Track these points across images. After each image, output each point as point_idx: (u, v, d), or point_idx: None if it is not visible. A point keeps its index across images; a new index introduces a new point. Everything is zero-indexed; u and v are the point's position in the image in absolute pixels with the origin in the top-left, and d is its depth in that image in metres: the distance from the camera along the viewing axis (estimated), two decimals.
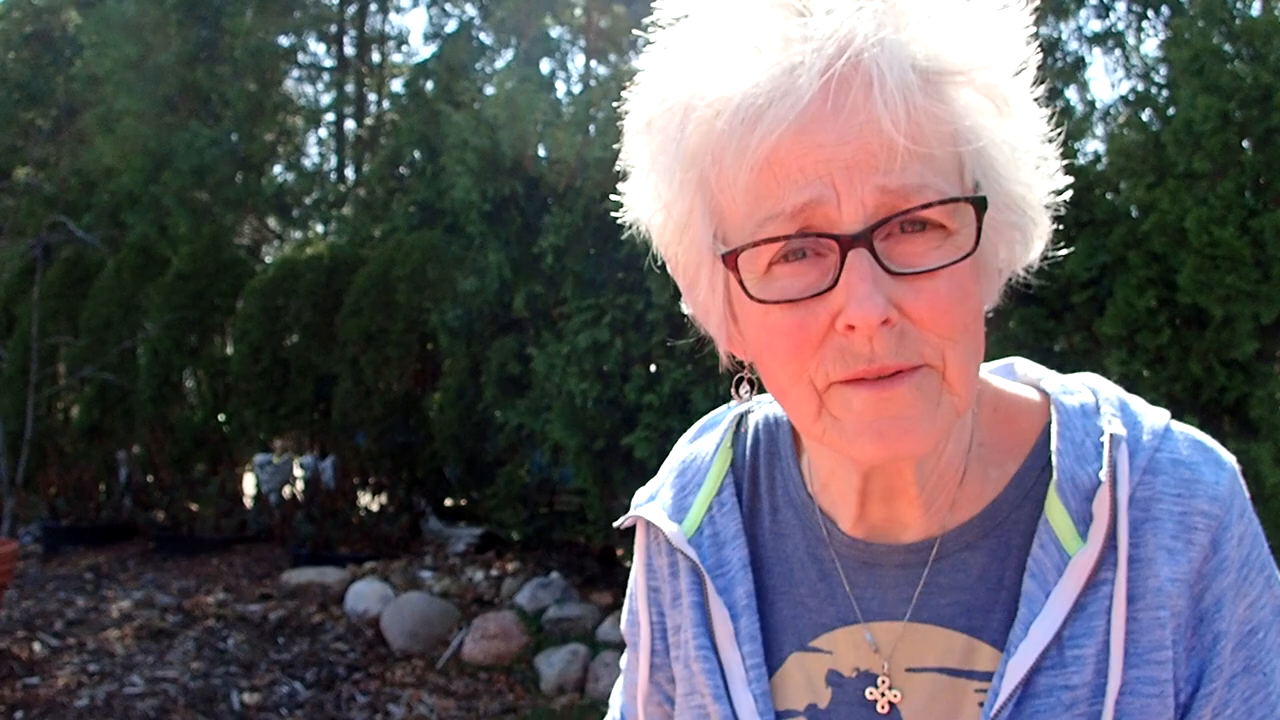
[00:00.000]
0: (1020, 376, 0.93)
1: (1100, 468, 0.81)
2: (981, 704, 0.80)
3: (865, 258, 0.72)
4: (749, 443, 0.96)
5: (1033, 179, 0.80)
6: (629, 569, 6.30)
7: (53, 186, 9.89)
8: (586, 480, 5.58)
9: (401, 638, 5.77)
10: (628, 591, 1.02)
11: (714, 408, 1.02)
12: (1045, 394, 0.89)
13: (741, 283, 0.77)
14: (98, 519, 8.23)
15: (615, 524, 1.00)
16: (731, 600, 0.89)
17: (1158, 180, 4.10)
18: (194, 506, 7.92)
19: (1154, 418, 0.85)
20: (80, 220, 9.00)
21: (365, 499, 7.49)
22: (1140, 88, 4.54)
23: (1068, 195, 0.82)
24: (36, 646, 5.95)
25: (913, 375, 0.74)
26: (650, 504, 0.97)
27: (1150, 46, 4.79)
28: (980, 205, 0.74)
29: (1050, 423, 0.86)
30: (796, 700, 0.87)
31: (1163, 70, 4.43)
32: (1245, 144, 3.97)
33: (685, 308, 0.88)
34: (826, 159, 0.72)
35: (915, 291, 0.73)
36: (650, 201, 0.83)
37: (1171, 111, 4.20)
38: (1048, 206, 0.82)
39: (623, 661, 1.05)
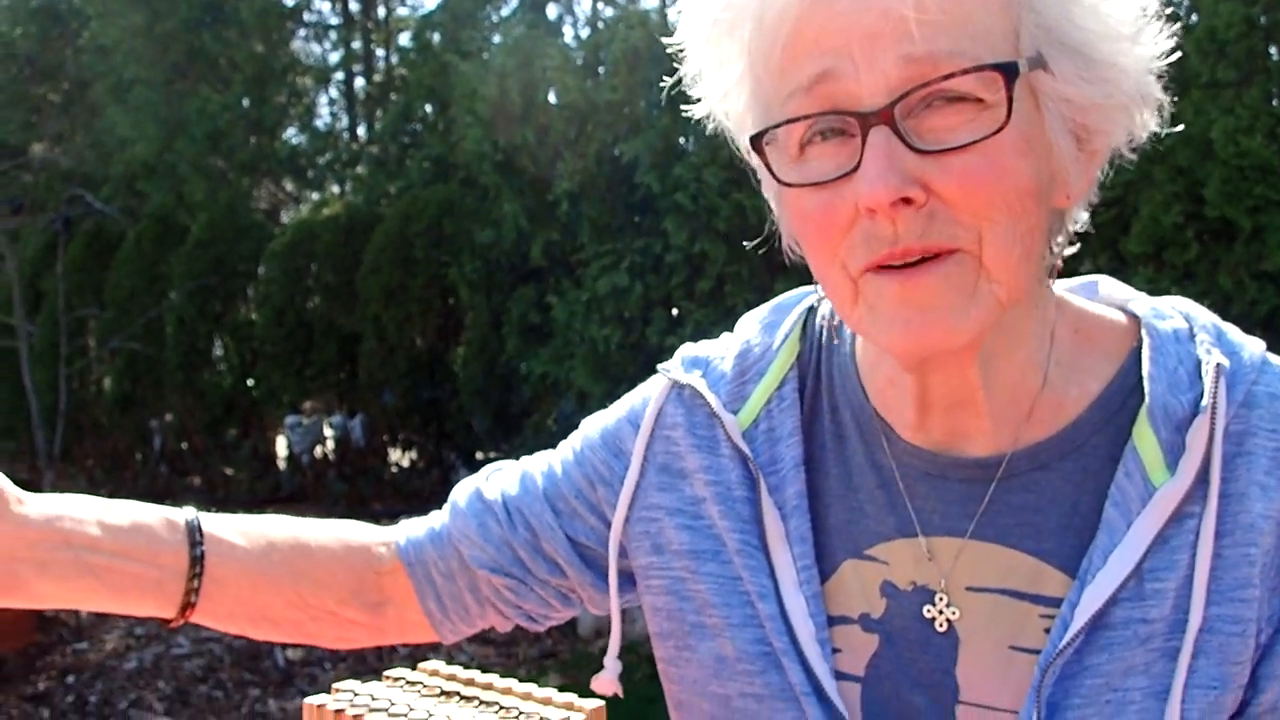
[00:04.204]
0: (1104, 296, 0.88)
1: (1194, 398, 0.77)
2: (1047, 630, 0.77)
3: (885, 135, 0.68)
4: (816, 335, 0.91)
5: (1119, 43, 0.73)
6: None
7: (69, 160, 9.90)
8: None
9: None
10: (614, 415, 0.96)
11: None
12: (1133, 316, 0.84)
13: (769, 166, 0.75)
14: (135, 487, 8.35)
15: (659, 368, 0.93)
16: (782, 500, 0.84)
17: (1181, 92, 4.00)
18: (228, 470, 8.02)
19: (1251, 347, 0.81)
20: (98, 192, 9.02)
21: (395, 455, 7.55)
22: None
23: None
24: (83, 613, 6.07)
25: (942, 263, 0.71)
26: (697, 375, 0.91)
27: None
28: (1010, 71, 0.68)
29: (1138, 347, 0.81)
30: (849, 607, 0.83)
31: None
32: (1271, 50, 3.86)
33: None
34: (845, 28, 0.68)
35: (944, 168, 0.69)
36: (716, 96, 0.81)
37: (1194, 19, 4.09)
38: (1152, 73, 0.75)
39: (568, 445, 0.98)
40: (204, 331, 8.12)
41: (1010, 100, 0.69)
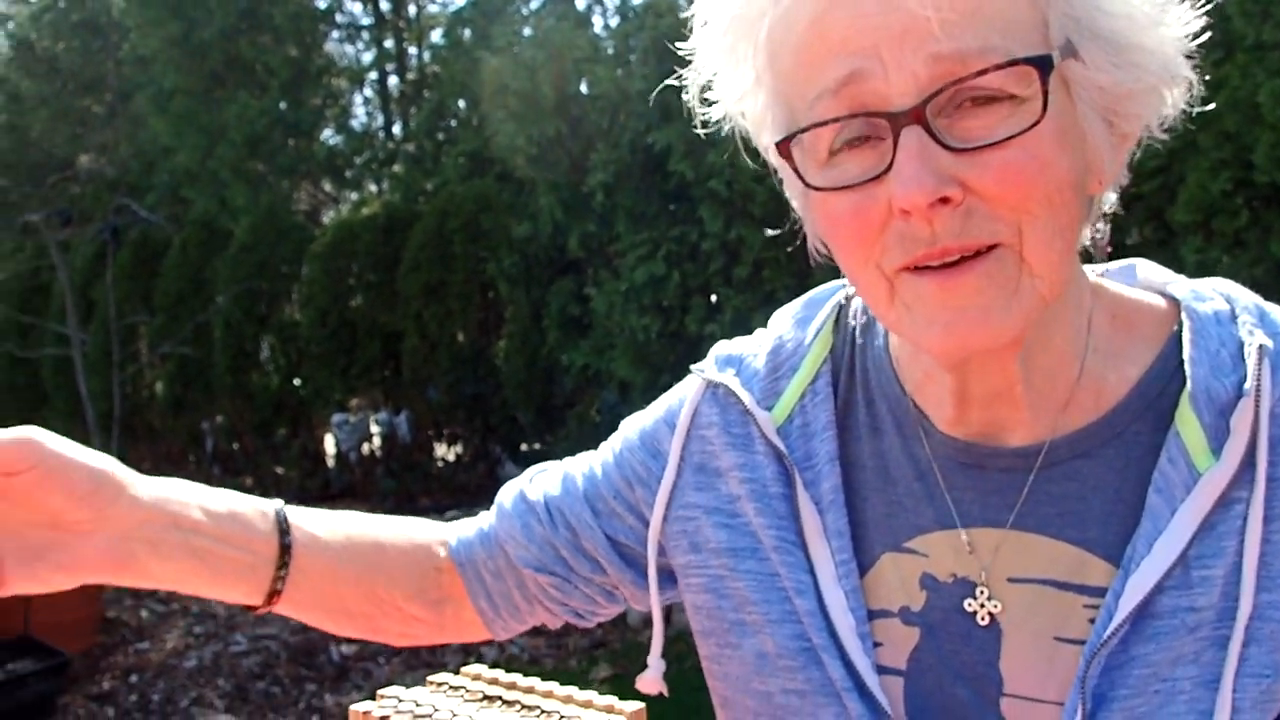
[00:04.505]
0: (1142, 280, 0.87)
1: (1237, 380, 0.75)
2: (1092, 620, 0.75)
3: (917, 134, 0.67)
4: (849, 329, 0.91)
5: (1147, 25, 0.72)
6: None
7: (114, 170, 10.08)
8: None
9: None
10: (651, 415, 0.97)
11: None
12: (1173, 299, 0.83)
13: (796, 170, 0.74)
14: None
15: (693, 368, 0.94)
16: (818, 494, 0.84)
17: (1225, 55, 3.91)
18: (279, 469, 8.14)
19: None
20: (143, 201, 9.17)
21: (441, 450, 7.61)
22: None
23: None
24: (144, 614, 6.19)
25: (982, 261, 0.69)
26: (730, 374, 0.91)
27: None
28: (1044, 65, 0.67)
29: (1179, 331, 0.80)
30: (889, 601, 0.83)
31: None
32: None
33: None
34: (873, 28, 0.67)
35: (981, 165, 0.68)
36: (732, 98, 0.81)
37: None
38: (1181, 53, 0.74)
39: (607, 448, 0.99)
40: (250, 334, 8.23)
41: (1046, 93, 0.67)
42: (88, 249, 9.17)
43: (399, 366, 7.46)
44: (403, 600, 0.96)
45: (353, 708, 0.84)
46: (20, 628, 5.35)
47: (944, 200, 0.68)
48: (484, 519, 1.01)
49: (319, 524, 0.93)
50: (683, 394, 0.95)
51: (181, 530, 0.84)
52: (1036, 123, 0.67)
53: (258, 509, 0.89)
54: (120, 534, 0.81)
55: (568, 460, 1.03)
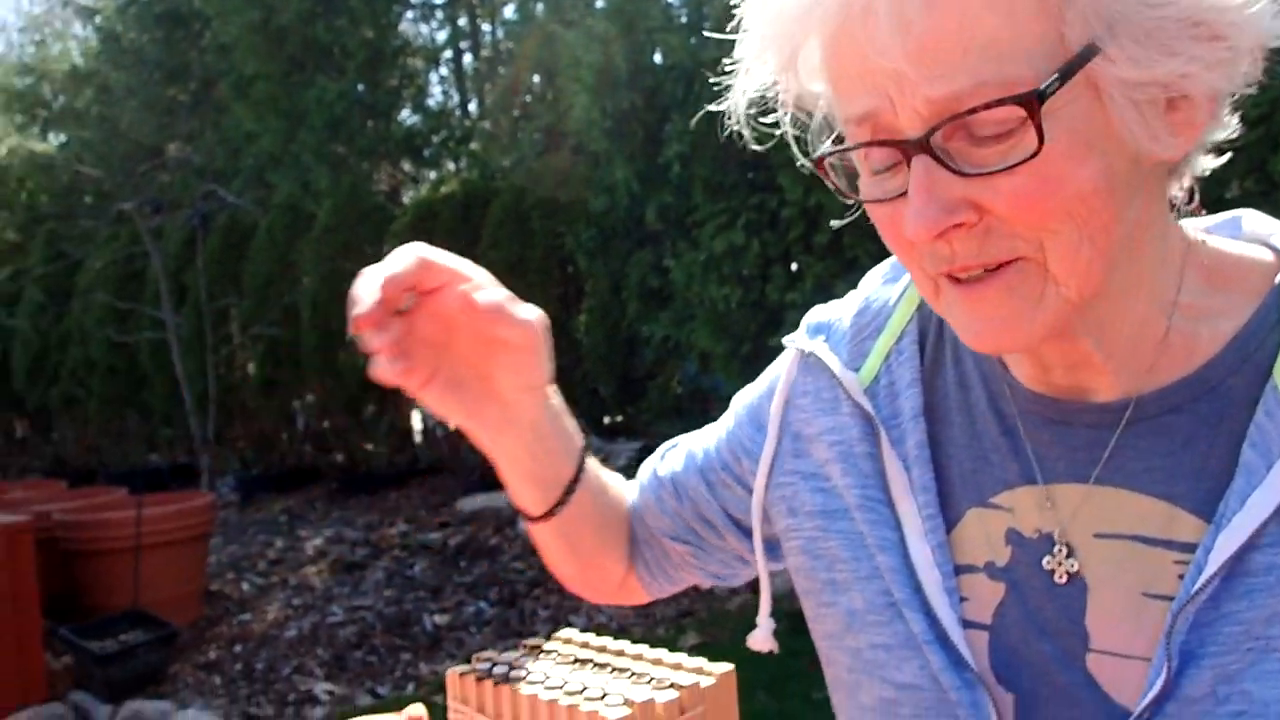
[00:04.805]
0: (1248, 233, 0.84)
1: None
2: (1181, 576, 0.74)
3: (925, 164, 0.68)
4: None
5: (1188, 6, 0.67)
6: None
7: (201, 157, 10.35)
8: (737, 385, 5.57)
9: None
10: (756, 389, 1.01)
11: None
12: (1278, 251, 0.81)
13: (833, 184, 0.76)
14: (283, 466, 8.76)
15: (785, 340, 0.98)
16: (903, 452, 0.85)
17: None
18: (368, 446, 8.33)
19: None
20: (230, 186, 9.41)
21: None
22: None
23: None
24: (245, 586, 6.42)
25: (1004, 274, 0.70)
26: (820, 340, 0.94)
27: None
28: (1032, 100, 0.65)
29: None
30: (975, 556, 0.82)
31: None
32: None
33: None
34: (876, 69, 0.68)
35: (993, 190, 0.68)
36: (780, 67, 0.80)
37: None
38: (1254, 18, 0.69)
39: (722, 422, 1.06)
40: (337, 313, 8.41)
41: (1039, 127, 0.66)
42: (178, 235, 9.45)
43: None
44: (604, 554, 1.06)
45: (449, 671, 0.86)
46: (130, 601, 5.59)
47: (958, 226, 0.69)
48: (632, 492, 1.11)
49: (598, 468, 1.03)
50: (781, 366, 0.99)
51: (538, 433, 0.95)
52: (1034, 154, 0.66)
53: (573, 431, 0.99)
54: (516, 417, 0.92)
55: (693, 435, 1.09)
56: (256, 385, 8.93)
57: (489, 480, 7.05)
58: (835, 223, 0.93)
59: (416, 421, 8.64)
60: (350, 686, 4.90)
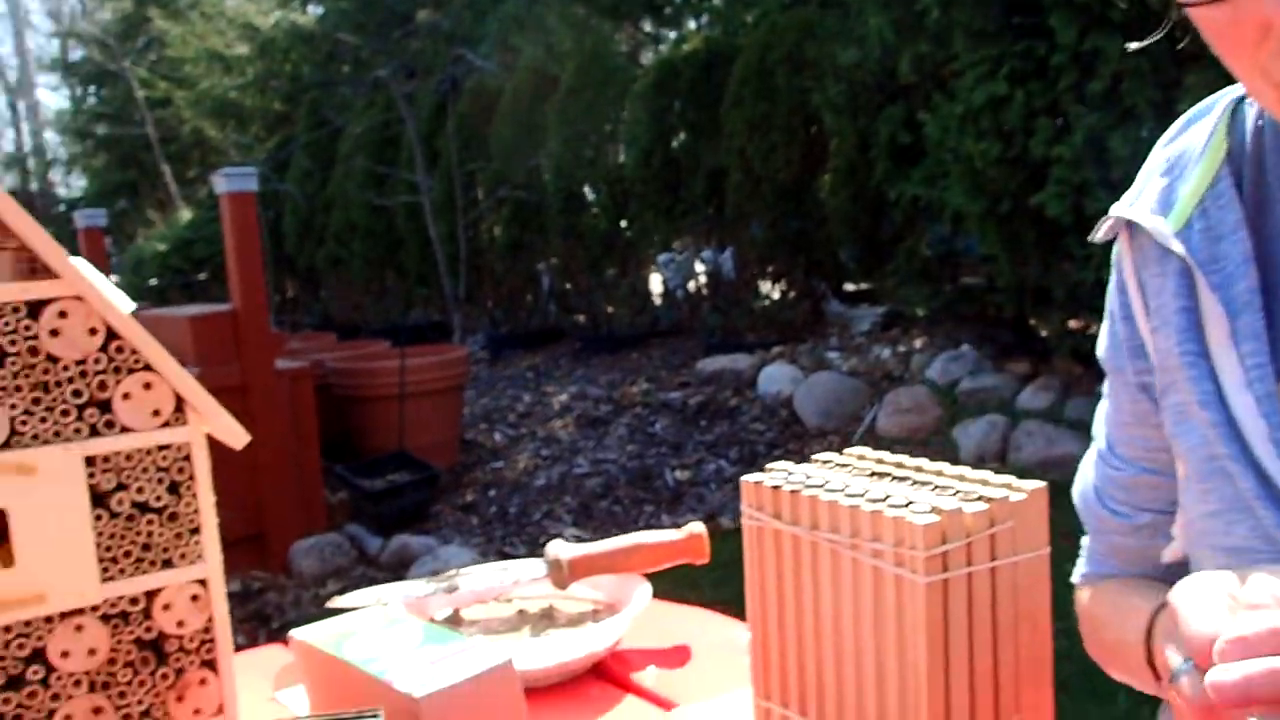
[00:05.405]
0: None
1: None
2: None
3: None
4: (1250, 127, 0.80)
5: None
6: (1044, 338, 5.98)
7: (450, 22, 10.59)
8: (993, 246, 5.27)
9: (815, 415, 5.93)
10: (1107, 313, 0.91)
11: (1135, 153, 0.87)
12: None
13: None
14: (529, 325, 9.11)
15: (1091, 236, 0.87)
16: (1229, 296, 0.76)
17: None
18: (610, 308, 8.52)
19: None
20: (477, 51, 9.60)
21: (765, 287, 7.64)
22: None
23: None
24: (497, 436, 6.78)
25: None
26: (1126, 205, 0.85)
27: None
28: None
29: None
30: None
31: None
32: None
33: None
34: None
35: None
36: None
37: None
38: None
39: (1104, 388, 0.95)
40: (580, 177, 8.53)
41: None
42: (430, 100, 9.77)
43: (722, 204, 7.48)
44: None
45: (744, 479, 0.85)
46: (396, 445, 6.03)
47: None
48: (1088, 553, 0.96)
49: None
50: (1116, 257, 0.90)
51: None
52: None
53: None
54: None
55: (1085, 463, 0.96)
56: (503, 247, 9.24)
57: (728, 343, 7.07)
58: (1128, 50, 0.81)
59: (656, 284, 8.74)
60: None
